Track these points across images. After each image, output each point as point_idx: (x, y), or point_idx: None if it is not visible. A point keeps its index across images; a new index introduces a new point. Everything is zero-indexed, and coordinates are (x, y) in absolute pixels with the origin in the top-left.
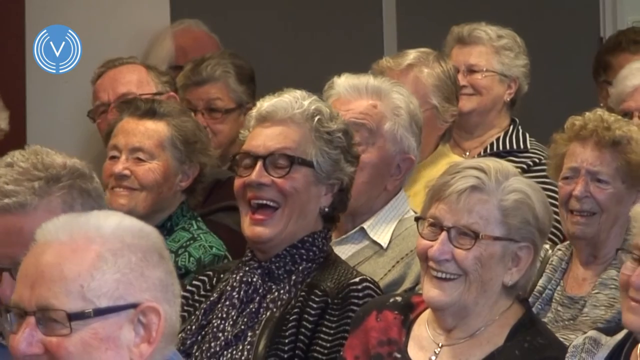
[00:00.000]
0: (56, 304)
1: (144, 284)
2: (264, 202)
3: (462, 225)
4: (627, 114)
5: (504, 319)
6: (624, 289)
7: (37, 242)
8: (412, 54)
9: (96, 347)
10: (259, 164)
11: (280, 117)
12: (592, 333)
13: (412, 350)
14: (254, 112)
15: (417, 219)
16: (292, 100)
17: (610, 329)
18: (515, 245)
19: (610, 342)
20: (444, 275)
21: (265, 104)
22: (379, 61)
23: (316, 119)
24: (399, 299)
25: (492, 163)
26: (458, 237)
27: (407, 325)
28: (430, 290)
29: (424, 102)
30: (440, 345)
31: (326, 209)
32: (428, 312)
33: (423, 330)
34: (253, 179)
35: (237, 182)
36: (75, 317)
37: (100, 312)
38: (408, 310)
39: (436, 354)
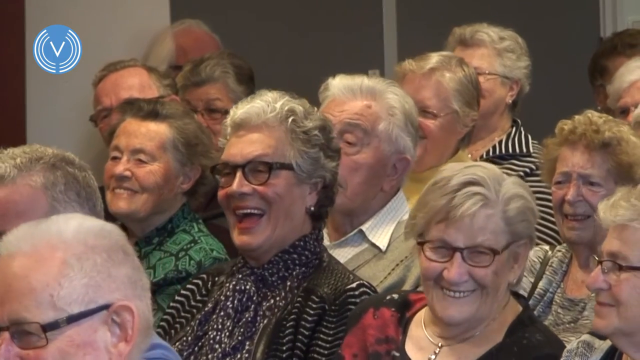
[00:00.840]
0: (28, 316)
1: (113, 284)
2: (249, 211)
3: (477, 245)
4: (625, 111)
5: (502, 317)
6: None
7: (1, 256)
8: (434, 58)
9: (74, 354)
10: (239, 173)
11: (254, 123)
12: (585, 337)
13: (410, 349)
14: (228, 120)
15: (420, 244)
16: (264, 104)
17: None
18: (515, 244)
19: (603, 345)
20: (460, 295)
21: (239, 111)
22: (401, 63)
23: (290, 120)
24: (395, 296)
25: (481, 172)
26: (471, 255)
27: (403, 324)
28: (447, 309)
29: (444, 107)
30: (439, 345)
31: (312, 208)
32: (424, 311)
33: (420, 330)
34: (234, 190)
35: (220, 193)
36: (49, 327)
37: (73, 319)
38: (405, 308)
39: (436, 354)
